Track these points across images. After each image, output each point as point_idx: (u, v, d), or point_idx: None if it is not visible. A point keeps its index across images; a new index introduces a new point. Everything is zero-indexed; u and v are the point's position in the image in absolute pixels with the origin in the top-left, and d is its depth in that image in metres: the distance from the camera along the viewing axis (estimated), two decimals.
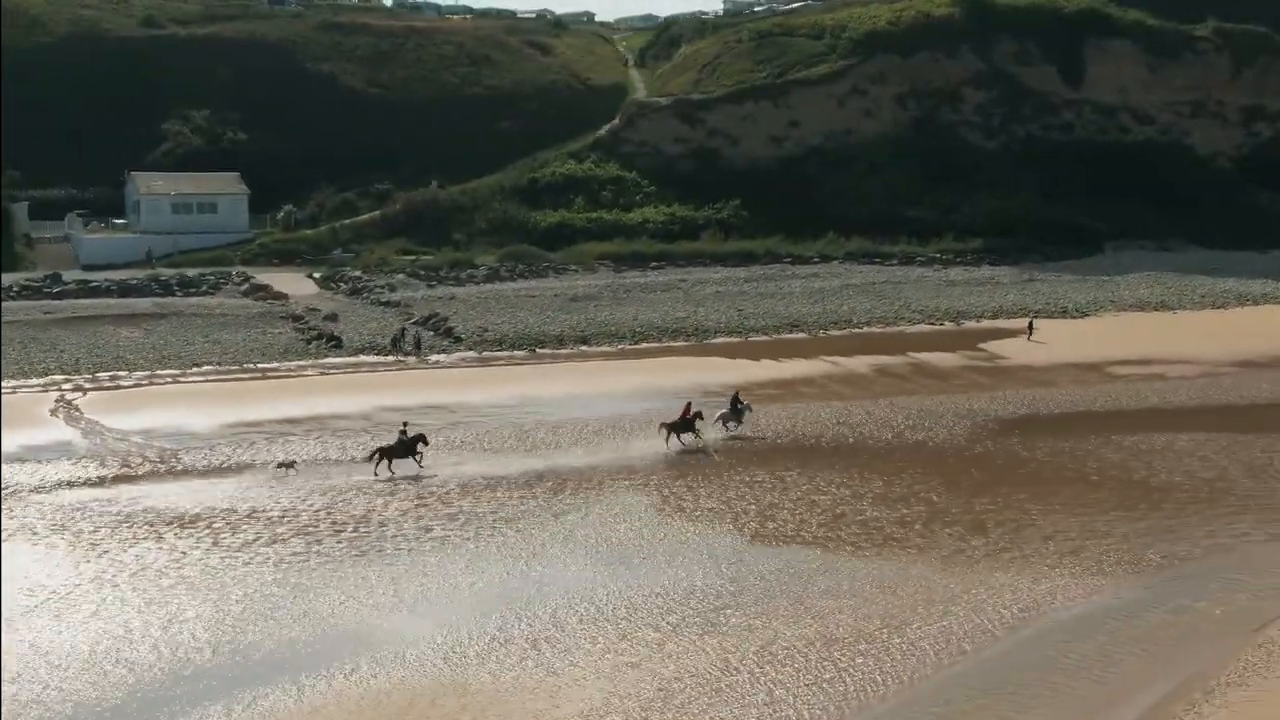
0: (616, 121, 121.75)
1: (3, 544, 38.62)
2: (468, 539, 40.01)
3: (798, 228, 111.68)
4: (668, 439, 52.24)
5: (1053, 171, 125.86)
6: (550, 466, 49.16)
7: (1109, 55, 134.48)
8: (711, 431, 54.42)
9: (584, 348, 78.90)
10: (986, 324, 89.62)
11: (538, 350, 77.42)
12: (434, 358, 74.64)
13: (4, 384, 62.05)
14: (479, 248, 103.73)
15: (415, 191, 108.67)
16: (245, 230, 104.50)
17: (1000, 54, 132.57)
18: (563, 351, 77.63)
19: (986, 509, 43.76)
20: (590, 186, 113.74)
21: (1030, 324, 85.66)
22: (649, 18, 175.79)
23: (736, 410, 55.16)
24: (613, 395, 63.94)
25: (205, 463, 50.35)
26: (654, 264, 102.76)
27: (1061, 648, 30.85)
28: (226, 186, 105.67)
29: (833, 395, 64.82)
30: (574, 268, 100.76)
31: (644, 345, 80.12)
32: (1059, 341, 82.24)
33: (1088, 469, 49.56)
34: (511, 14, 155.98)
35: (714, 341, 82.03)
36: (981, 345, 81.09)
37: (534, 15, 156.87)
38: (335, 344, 75.78)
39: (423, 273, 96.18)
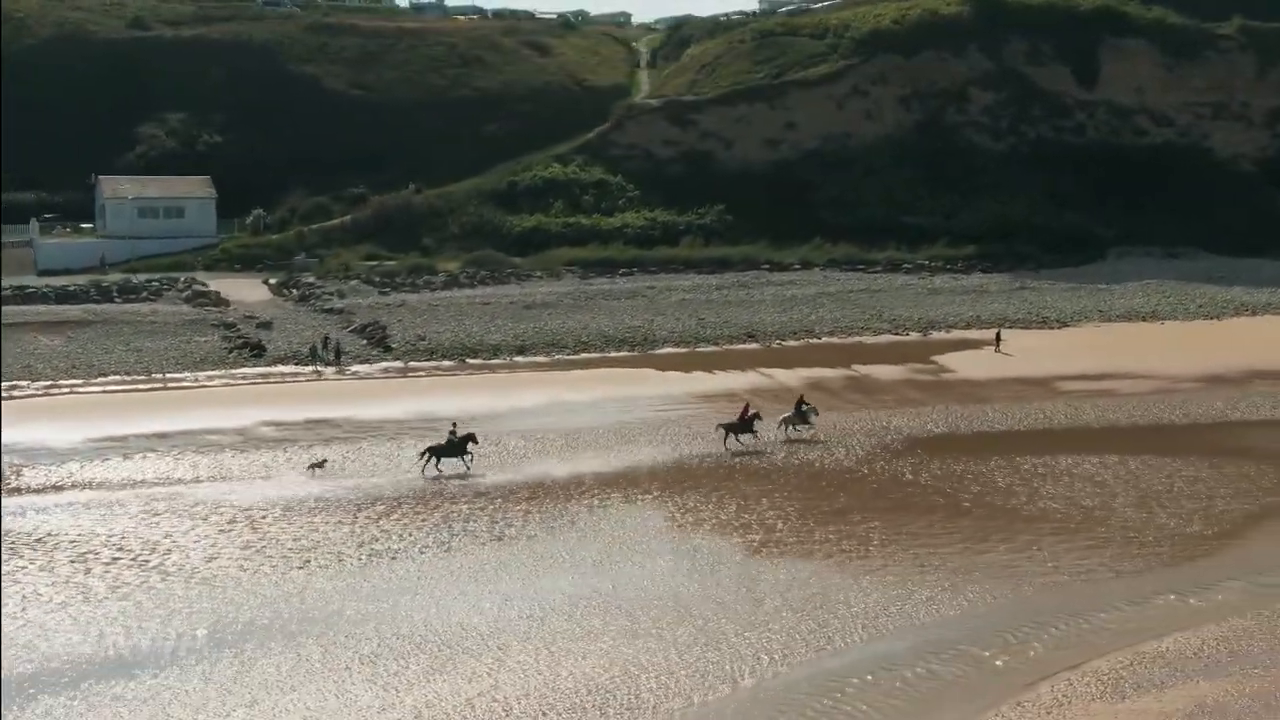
0: (606, 124, 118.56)
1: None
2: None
3: (786, 234, 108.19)
4: (725, 440, 52.62)
5: (1062, 175, 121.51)
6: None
7: (1125, 54, 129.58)
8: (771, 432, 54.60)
9: (519, 358, 76.29)
10: (956, 335, 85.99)
11: (468, 361, 74.79)
12: (354, 368, 72.32)
13: None
14: (448, 253, 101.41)
15: (387, 196, 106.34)
16: (212, 235, 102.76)
17: (1010, 53, 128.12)
18: (494, 363, 75.08)
19: (826, 538, 40.65)
20: (571, 190, 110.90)
21: (998, 335, 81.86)
22: (687, 18, 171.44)
23: (801, 413, 55.48)
24: (516, 411, 61.15)
25: (43, 480, 48.36)
26: (623, 270, 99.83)
27: (783, 707, 27.60)
28: (194, 190, 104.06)
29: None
30: (538, 274, 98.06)
31: (583, 356, 77.37)
32: (1025, 354, 78.44)
33: (965, 494, 46.11)
34: (527, 14, 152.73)
35: (659, 352, 79.23)
36: (935, 358, 77.54)
37: (553, 16, 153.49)
38: (257, 353, 73.68)
39: (378, 279, 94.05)
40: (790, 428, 55.29)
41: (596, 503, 44.77)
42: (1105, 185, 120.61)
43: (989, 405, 63.42)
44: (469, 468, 48.33)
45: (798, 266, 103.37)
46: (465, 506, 44.04)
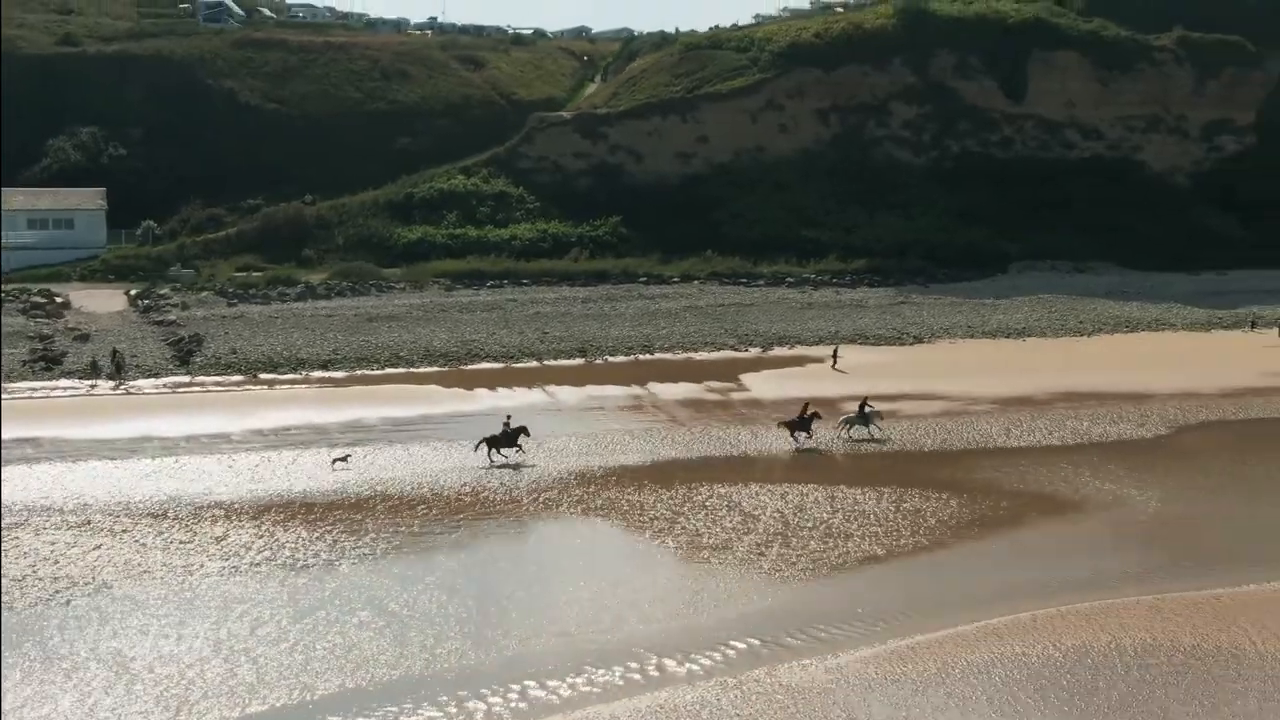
0: (516, 137, 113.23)
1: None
2: None
3: (681, 247, 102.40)
4: (790, 435, 53.15)
5: (983, 190, 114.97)
6: None
7: (1055, 68, 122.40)
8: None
9: (322, 373, 70.66)
10: (798, 351, 79.73)
11: (260, 376, 69.35)
12: (137, 383, 67.15)
13: None
14: (329, 264, 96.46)
15: (277, 207, 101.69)
16: (102, 245, 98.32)
17: (937, 67, 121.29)
18: (291, 377, 69.35)
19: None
20: (468, 203, 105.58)
21: (834, 352, 75.56)
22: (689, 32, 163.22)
23: (863, 416, 55.17)
24: (241, 433, 56.01)
25: None
26: (492, 283, 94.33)
27: None
28: (84, 202, 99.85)
29: (453, 435, 55.59)
30: (401, 286, 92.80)
31: (390, 371, 71.57)
32: (853, 371, 72.14)
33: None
34: (477, 29, 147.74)
35: (474, 367, 73.42)
36: (744, 376, 71.29)
37: (507, 31, 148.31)
38: (50, 366, 69.14)
39: (232, 290, 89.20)
40: (851, 428, 55.19)
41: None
42: (1027, 200, 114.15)
43: (745, 428, 57.30)
44: (521, 456, 49.81)
45: (677, 280, 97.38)
46: None
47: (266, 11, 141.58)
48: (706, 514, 42.36)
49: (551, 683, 28.51)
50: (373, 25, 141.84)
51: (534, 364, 74.36)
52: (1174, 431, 58.62)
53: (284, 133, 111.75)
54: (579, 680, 28.74)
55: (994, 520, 42.72)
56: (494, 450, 49.38)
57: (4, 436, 51.94)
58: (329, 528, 40.37)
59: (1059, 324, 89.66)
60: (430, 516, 42.32)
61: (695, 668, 29.60)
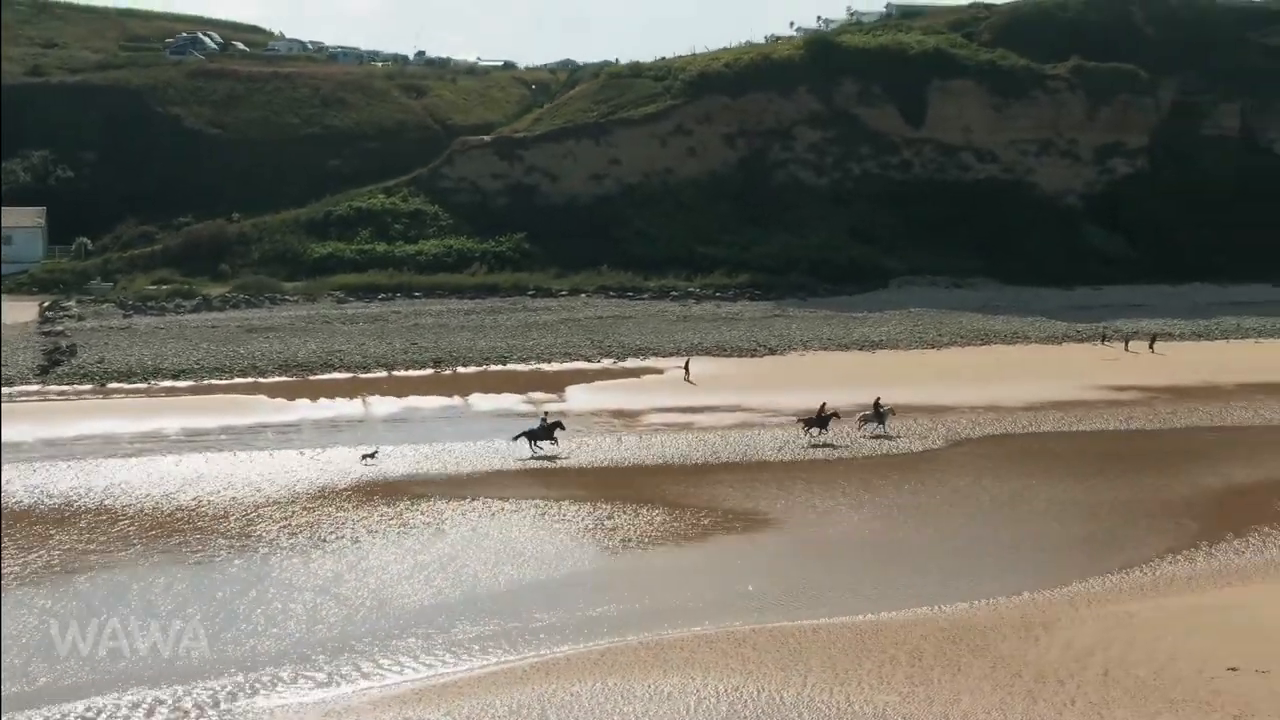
0: (438, 159, 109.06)
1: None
2: None
3: (579, 263, 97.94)
4: (805, 432, 52.60)
5: (879, 210, 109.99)
6: None
7: (952, 95, 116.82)
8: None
9: (171, 382, 66.02)
10: (650, 362, 74.82)
11: (108, 385, 65.25)
12: None
13: None
14: (242, 277, 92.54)
15: (201, 224, 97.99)
16: (38, 261, 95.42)
17: (841, 95, 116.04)
18: (136, 387, 64.73)
19: None
20: (383, 220, 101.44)
21: (686, 364, 70.90)
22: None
23: (879, 414, 54.34)
24: (34, 442, 51.93)
25: None
26: (384, 295, 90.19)
27: None
28: (23, 220, 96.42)
29: (244, 445, 51.55)
30: (295, 298, 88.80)
31: (237, 380, 66.90)
32: (706, 381, 68.00)
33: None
34: (434, 60, 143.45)
35: (322, 377, 68.49)
36: (573, 387, 66.64)
37: (464, 62, 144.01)
38: None
39: (131, 302, 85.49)
40: (865, 425, 54.29)
41: None
42: (920, 219, 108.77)
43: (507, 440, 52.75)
44: (556, 447, 49.63)
45: (565, 293, 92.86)
46: None
47: (240, 45, 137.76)
48: (384, 533, 38.00)
49: None
50: (334, 57, 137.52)
51: (383, 374, 69.80)
52: (948, 445, 53.83)
53: (223, 156, 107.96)
54: None
55: (668, 537, 38.35)
56: (533, 442, 49.31)
57: None
58: None
59: (918, 337, 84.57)
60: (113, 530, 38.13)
61: None
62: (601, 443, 52.07)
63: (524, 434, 49.85)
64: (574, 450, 50.30)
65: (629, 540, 37.92)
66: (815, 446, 52.25)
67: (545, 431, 50.09)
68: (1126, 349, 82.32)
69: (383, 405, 61.51)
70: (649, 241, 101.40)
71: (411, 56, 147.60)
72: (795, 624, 30.22)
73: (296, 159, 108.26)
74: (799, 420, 53.62)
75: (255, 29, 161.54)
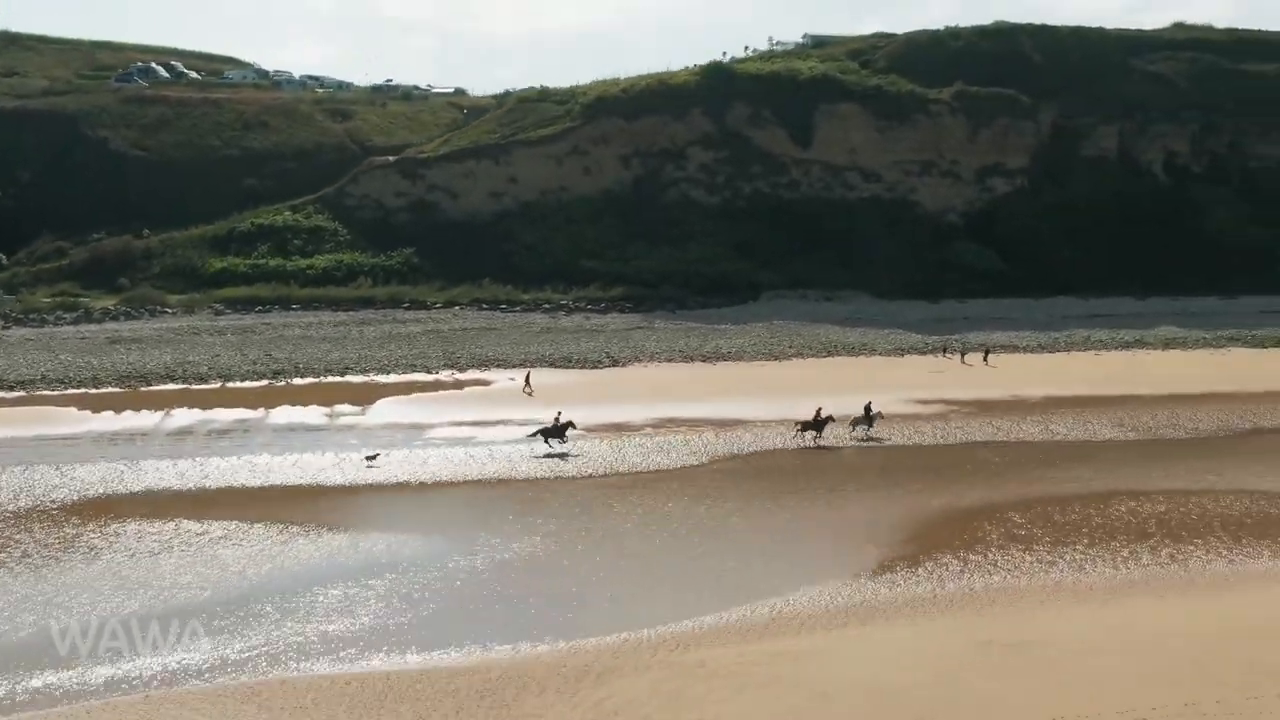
0: (345, 178, 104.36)
1: None
2: None
3: (469, 276, 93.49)
4: (800, 434, 50.30)
5: (765, 226, 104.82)
6: None
7: (839, 118, 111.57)
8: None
9: (4, 393, 61.98)
10: (493, 373, 69.82)
11: None
12: None
13: None
14: (140, 290, 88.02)
15: (108, 240, 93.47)
16: None
17: (734, 118, 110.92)
18: None
19: None
20: (284, 235, 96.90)
21: (527, 376, 65.91)
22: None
23: (869, 417, 52.22)
24: None
25: None
26: (261, 307, 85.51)
27: None
28: None
29: None
30: (174, 310, 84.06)
31: (68, 391, 62.42)
32: (544, 392, 62.33)
33: None
34: (370, 87, 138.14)
35: (156, 388, 63.74)
36: (394, 398, 61.47)
37: (400, 88, 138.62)
38: None
39: (15, 314, 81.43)
40: (855, 428, 51.91)
41: None
42: (804, 235, 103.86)
43: (265, 456, 47.79)
44: (565, 445, 47.95)
45: (439, 306, 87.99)
46: None
47: (194, 74, 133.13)
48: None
49: None
50: (278, 84, 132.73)
51: (217, 385, 64.95)
52: (707, 462, 48.44)
53: (145, 176, 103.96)
54: None
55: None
56: (547, 440, 47.92)
57: None
58: None
59: (767, 349, 79.18)
60: None
61: None
62: (322, 460, 46.73)
63: (538, 431, 48.41)
64: (286, 467, 45.21)
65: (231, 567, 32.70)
66: (548, 458, 47.03)
67: (559, 430, 48.57)
68: (963, 361, 76.91)
69: (186, 417, 56.40)
70: (536, 256, 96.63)
71: (357, 84, 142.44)
72: (324, 673, 25.09)
73: (214, 179, 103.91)
74: (796, 423, 50.91)
75: (230, 60, 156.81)
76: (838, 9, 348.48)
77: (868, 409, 52.57)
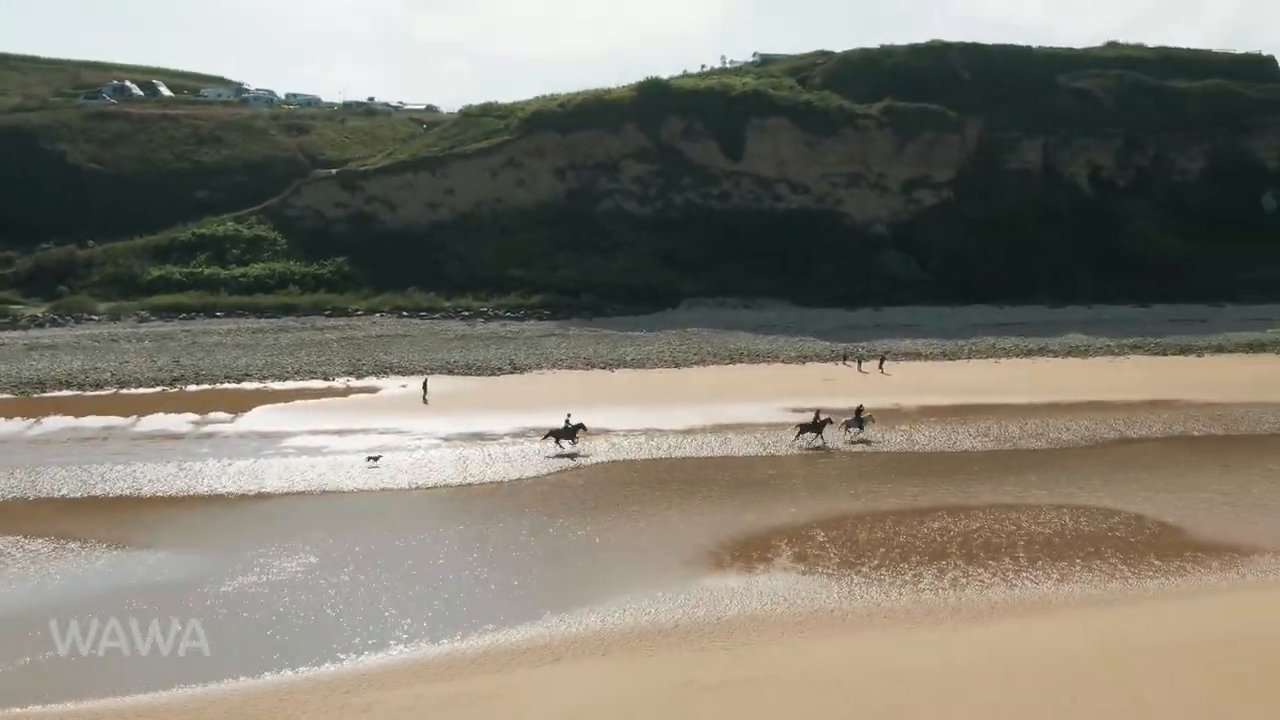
0: (288, 190, 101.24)
1: None
2: None
3: (398, 284, 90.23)
4: (798, 436, 48.89)
5: (695, 236, 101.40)
6: None
7: (769, 132, 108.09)
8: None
9: None
10: (391, 380, 66.54)
11: None
12: None
13: None
14: (73, 298, 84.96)
15: (54, 249, 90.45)
16: None
17: (668, 132, 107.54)
18: None
19: None
20: (223, 245, 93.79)
21: (425, 383, 62.67)
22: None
23: (859, 421, 50.36)
24: None
25: None
26: (185, 315, 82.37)
27: None
28: None
29: None
30: (98, 318, 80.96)
31: None
32: (438, 400, 59.77)
33: None
34: (330, 103, 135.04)
35: (50, 395, 60.94)
36: (273, 405, 58.28)
37: (358, 103, 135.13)
38: None
39: None
40: (848, 430, 49.88)
41: None
42: (731, 245, 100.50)
43: (75, 466, 44.53)
44: (576, 447, 46.86)
45: (361, 313, 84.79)
46: None
47: (166, 91, 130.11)
48: None
49: None
50: (246, 101, 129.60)
51: (111, 392, 61.85)
52: (546, 474, 45.09)
53: (98, 188, 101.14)
54: None
55: None
56: (559, 441, 46.93)
57: None
58: None
59: (673, 356, 75.60)
60: None
61: None
62: (160, 471, 43.57)
63: (551, 433, 47.26)
64: (118, 477, 42.02)
65: None
66: (384, 469, 43.76)
67: (569, 432, 47.40)
68: (860, 369, 73.36)
69: (53, 424, 53.26)
70: (466, 265, 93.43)
71: (326, 99, 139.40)
72: None
73: (164, 191, 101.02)
74: (796, 425, 49.63)
75: (219, 79, 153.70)
76: (847, 28, 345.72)
77: (859, 412, 50.84)
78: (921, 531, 36.76)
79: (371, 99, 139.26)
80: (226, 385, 64.06)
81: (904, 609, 29.40)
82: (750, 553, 34.31)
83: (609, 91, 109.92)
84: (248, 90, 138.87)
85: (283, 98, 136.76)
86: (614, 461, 47.39)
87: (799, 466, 46.63)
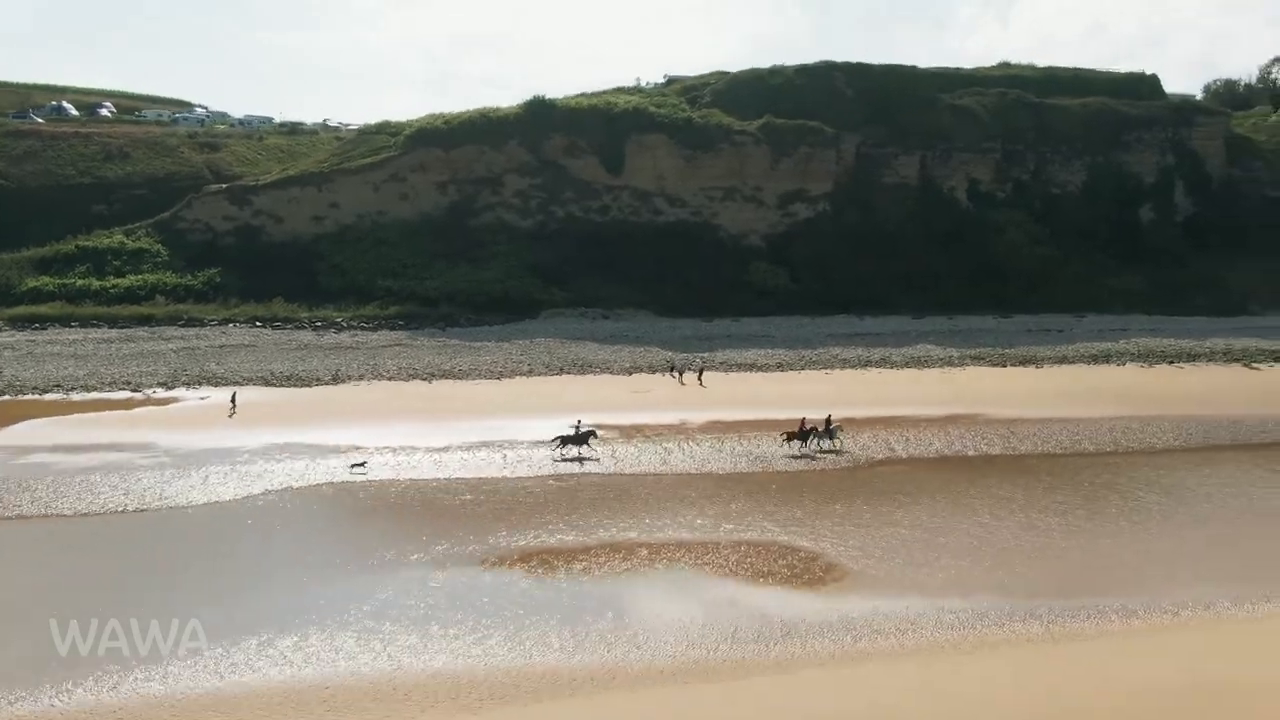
0: (180, 203, 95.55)
1: None
2: None
3: (267, 294, 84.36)
4: (787, 443, 46.94)
5: (572, 248, 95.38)
6: None
7: (647, 148, 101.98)
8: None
9: None
10: (206, 390, 61.16)
11: None
12: None
13: None
14: None
15: None
16: None
17: (550, 147, 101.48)
18: None
19: None
20: (104, 257, 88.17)
21: (233, 396, 57.17)
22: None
23: (830, 431, 47.95)
24: None
25: None
26: (37, 325, 76.86)
27: None
28: None
29: None
30: None
31: None
32: (246, 411, 54.38)
33: None
34: (256, 119, 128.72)
35: None
36: (39, 420, 52.93)
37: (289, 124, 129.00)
38: None
39: None
40: (817, 441, 47.53)
41: None
42: (604, 257, 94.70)
43: None
44: (583, 452, 44.93)
45: (215, 322, 79.13)
46: None
47: (106, 112, 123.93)
48: None
49: None
50: (175, 120, 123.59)
51: None
52: (267, 491, 39.74)
53: (1, 203, 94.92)
54: None
55: None
56: (571, 446, 44.97)
57: None
58: None
59: (500, 367, 69.74)
60: None
61: None
62: None
63: (560, 439, 45.22)
64: None
65: None
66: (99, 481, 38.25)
67: (580, 438, 45.41)
68: (680, 381, 67.55)
69: None
70: (340, 275, 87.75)
71: (278, 120, 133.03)
72: None
73: (63, 205, 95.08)
74: (783, 433, 47.48)
75: (179, 102, 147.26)
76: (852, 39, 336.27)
77: (828, 422, 48.22)
78: (579, 568, 31.19)
79: (326, 120, 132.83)
80: (26, 397, 58.51)
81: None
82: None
83: (495, 110, 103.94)
84: (203, 111, 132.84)
85: (238, 120, 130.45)
86: (347, 482, 41.92)
87: (514, 493, 40.98)
